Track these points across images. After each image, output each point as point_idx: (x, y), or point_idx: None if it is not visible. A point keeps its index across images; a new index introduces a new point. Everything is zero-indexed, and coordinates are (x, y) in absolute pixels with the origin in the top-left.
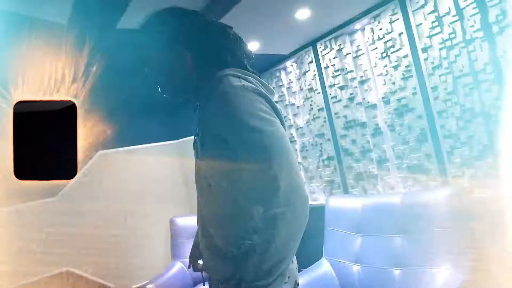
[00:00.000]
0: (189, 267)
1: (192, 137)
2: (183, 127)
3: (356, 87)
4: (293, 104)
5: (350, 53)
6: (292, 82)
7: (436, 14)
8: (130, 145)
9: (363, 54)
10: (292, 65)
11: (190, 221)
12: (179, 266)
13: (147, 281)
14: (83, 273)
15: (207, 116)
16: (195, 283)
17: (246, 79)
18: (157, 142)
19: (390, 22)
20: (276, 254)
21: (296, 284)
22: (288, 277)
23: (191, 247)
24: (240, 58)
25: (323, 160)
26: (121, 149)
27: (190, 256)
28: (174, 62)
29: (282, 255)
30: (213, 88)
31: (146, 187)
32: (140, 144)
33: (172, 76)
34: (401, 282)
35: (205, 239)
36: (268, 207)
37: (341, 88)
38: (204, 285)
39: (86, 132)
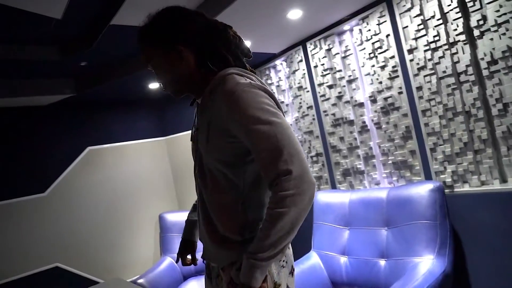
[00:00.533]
0: (177, 262)
1: (182, 133)
2: (171, 124)
3: (344, 86)
4: (283, 102)
5: (339, 53)
6: (282, 80)
7: (421, 17)
8: (119, 142)
9: (351, 54)
10: (281, 64)
11: (179, 217)
12: (169, 261)
13: (138, 276)
14: (73, 268)
15: (213, 112)
16: (185, 278)
17: (249, 77)
18: (146, 138)
19: (378, 24)
20: (280, 231)
21: (293, 269)
22: (286, 262)
23: (180, 242)
24: (240, 57)
25: (311, 157)
26: (110, 145)
27: (179, 251)
28: (175, 61)
29: (285, 231)
30: (217, 86)
31: (135, 183)
32: (129, 140)
33: (174, 76)
34: (387, 271)
35: (207, 227)
36: (278, 190)
37: (330, 86)
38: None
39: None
